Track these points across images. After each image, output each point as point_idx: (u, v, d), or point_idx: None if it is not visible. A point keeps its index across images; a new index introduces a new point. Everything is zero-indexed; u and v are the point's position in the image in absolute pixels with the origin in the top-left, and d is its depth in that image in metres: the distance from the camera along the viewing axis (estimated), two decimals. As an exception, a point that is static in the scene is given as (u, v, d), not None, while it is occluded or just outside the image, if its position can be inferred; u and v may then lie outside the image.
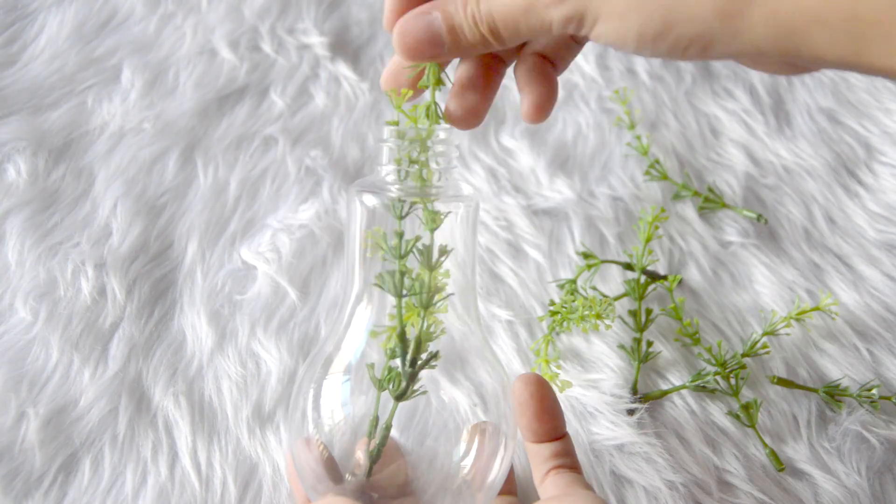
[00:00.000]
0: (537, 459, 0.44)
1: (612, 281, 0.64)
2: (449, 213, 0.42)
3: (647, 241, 0.61)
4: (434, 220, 0.41)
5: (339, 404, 0.43)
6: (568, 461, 0.43)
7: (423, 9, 0.38)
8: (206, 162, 0.68)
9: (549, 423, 0.44)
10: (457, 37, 0.37)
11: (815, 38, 0.30)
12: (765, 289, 0.64)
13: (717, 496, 0.53)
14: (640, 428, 0.55)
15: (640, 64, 0.79)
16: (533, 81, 0.42)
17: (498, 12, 0.36)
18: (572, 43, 0.43)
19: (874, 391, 0.56)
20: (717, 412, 0.57)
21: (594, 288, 0.62)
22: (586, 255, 0.63)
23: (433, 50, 0.37)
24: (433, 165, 0.42)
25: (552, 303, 0.60)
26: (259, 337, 0.58)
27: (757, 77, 0.78)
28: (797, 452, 0.55)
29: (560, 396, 0.57)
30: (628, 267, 0.63)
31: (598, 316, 0.56)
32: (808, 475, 0.54)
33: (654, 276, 0.62)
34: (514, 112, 0.75)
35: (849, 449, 0.55)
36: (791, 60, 0.32)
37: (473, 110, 0.42)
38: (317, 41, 0.77)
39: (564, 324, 0.59)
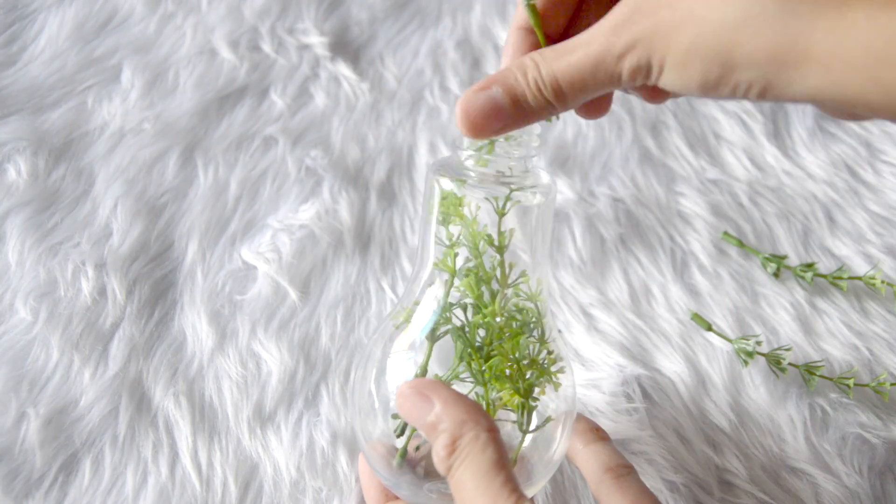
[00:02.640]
0: (592, 462, 0.45)
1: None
2: (517, 203, 0.42)
3: None
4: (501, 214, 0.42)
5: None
6: (625, 461, 0.45)
7: (484, 83, 0.37)
8: (206, 162, 0.68)
9: (588, 420, 0.47)
10: (520, 107, 0.37)
11: (869, 95, 0.31)
12: (767, 290, 0.64)
13: (717, 496, 0.53)
14: (641, 428, 0.55)
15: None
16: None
17: (562, 73, 0.36)
18: None
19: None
20: (716, 411, 0.57)
21: None
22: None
23: (498, 124, 0.37)
24: (513, 153, 0.42)
25: None
26: (259, 337, 0.58)
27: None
28: (798, 452, 0.55)
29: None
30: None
31: None
32: (808, 475, 0.54)
33: None
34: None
35: (850, 449, 0.55)
36: (847, 111, 0.33)
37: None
38: (317, 41, 0.77)
39: None
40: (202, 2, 0.78)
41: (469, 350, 0.42)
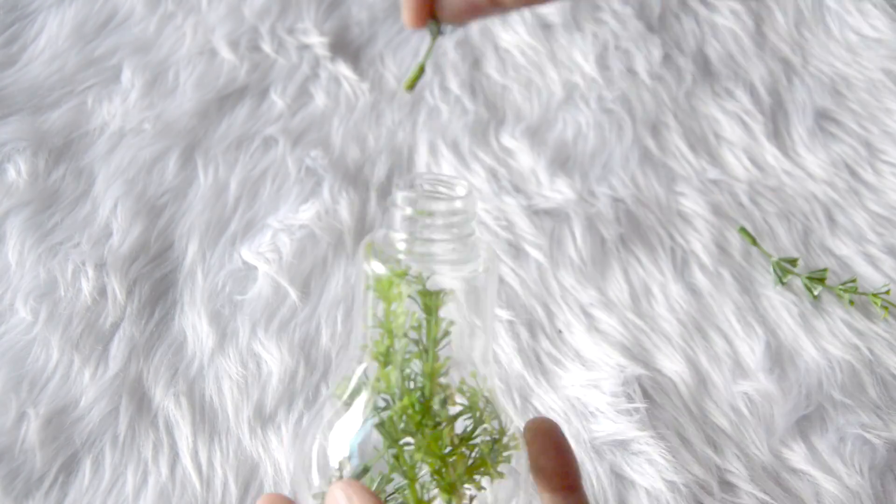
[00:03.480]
0: None
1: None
2: (451, 291, 0.39)
3: None
4: (436, 300, 0.39)
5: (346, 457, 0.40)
6: None
7: None
8: (206, 162, 0.68)
9: (558, 459, 0.41)
10: None
11: None
12: (768, 290, 0.64)
13: (718, 496, 0.53)
14: (642, 428, 0.55)
15: (640, 64, 0.79)
16: None
17: None
18: None
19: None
20: (717, 411, 0.57)
21: None
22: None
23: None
24: (447, 236, 0.39)
25: None
26: (260, 337, 0.58)
27: (757, 77, 0.78)
28: (799, 453, 0.55)
29: (562, 395, 0.57)
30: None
31: None
32: (809, 475, 0.54)
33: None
34: (514, 112, 0.75)
35: (850, 450, 0.55)
36: None
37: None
38: (317, 41, 0.77)
39: None
40: (202, 2, 0.78)
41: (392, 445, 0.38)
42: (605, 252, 0.65)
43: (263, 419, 0.55)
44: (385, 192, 0.68)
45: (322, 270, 0.62)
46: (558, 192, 0.68)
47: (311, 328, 0.59)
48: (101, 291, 0.59)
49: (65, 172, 0.66)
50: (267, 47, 0.76)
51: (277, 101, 0.73)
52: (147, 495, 0.51)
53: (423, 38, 0.79)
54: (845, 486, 0.53)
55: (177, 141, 0.69)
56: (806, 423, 0.56)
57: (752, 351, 0.60)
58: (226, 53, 0.75)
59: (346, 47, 0.78)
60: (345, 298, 0.61)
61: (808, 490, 0.53)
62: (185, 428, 0.54)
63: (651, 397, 0.57)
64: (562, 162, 0.71)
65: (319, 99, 0.74)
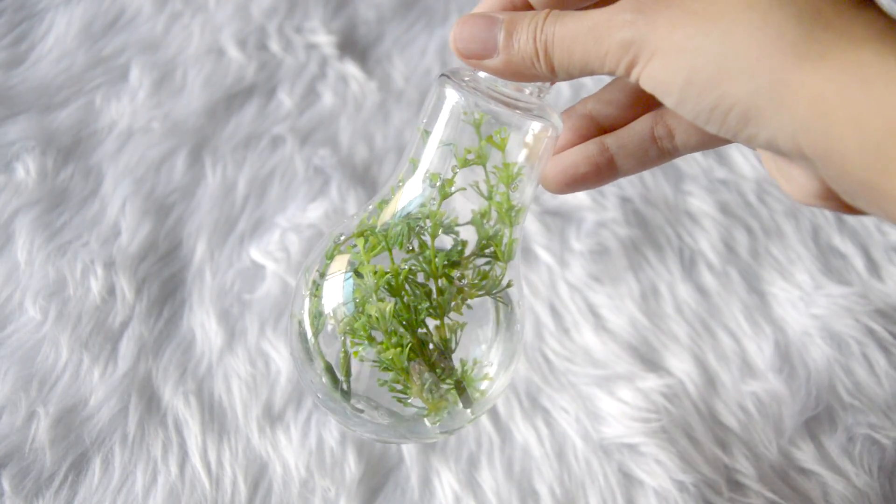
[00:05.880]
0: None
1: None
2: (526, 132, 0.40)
3: None
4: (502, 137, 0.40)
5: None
6: None
7: (494, 11, 0.37)
8: (214, 161, 0.68)
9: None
10: (510, 44, 0.36)
11: (846, 141, 0.28)
12: (775, 288, 0.63)
13: (727, 496, 0.53)
14: (650, 428, 0.55)
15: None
16: (568, 143, 0.41)
17: (558, 33, 0.35)
18: (649, 142, 0.40)
19: None
20: (726, 411, 0.57)
21: None
22: None
23: (484, 48, 0.36)
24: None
25: None
26: (268, 336, 0.58)
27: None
28: (807, 452, 0.55)
29: (570, 396, 0.57)
30: None
31: None
32: (818, 475, 0.54)
33: None
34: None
35: (859, 450, 0.55)
36: (820, 171, 0.30)
37: (562, 175, 0.41)
38: (324, 40, 0.77)
39: None
40: (210, 1, 0.78)
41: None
42: (613, 251, 0.65)
43: (272, 418, 0.55)
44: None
45: (330, 269, 0.63)
46: (566, 191, 0.68)
47: (320, 327, 0.59)
48: (110, 290, 0.60)
49: (73, 171, 0.66)
50: (274, 46, 0.76)
51: (285, 100, 0.73)
52: (156, 494, 0.51)
53: (430, 37, 0.79)
54: (854, 486, 0.53)
55: (185, 140, 0.69)
56: (815, 423, 0.56)
57: (760, 350, 0.60)
58: (233, 52, 0.75)
59: (353, 46, 0.78)
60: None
61: (817, 490, 0.53)
62: (195, 427, 0.54)
63: (660, 397, 0.57)
64: (569, 161, 0.71)
65: (327, 98, 0.74)
